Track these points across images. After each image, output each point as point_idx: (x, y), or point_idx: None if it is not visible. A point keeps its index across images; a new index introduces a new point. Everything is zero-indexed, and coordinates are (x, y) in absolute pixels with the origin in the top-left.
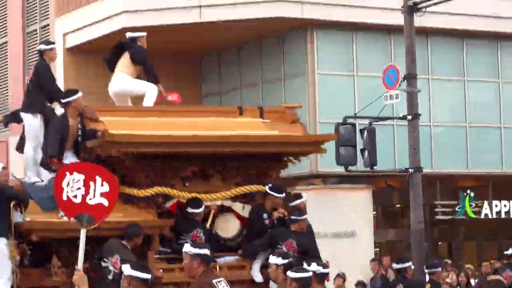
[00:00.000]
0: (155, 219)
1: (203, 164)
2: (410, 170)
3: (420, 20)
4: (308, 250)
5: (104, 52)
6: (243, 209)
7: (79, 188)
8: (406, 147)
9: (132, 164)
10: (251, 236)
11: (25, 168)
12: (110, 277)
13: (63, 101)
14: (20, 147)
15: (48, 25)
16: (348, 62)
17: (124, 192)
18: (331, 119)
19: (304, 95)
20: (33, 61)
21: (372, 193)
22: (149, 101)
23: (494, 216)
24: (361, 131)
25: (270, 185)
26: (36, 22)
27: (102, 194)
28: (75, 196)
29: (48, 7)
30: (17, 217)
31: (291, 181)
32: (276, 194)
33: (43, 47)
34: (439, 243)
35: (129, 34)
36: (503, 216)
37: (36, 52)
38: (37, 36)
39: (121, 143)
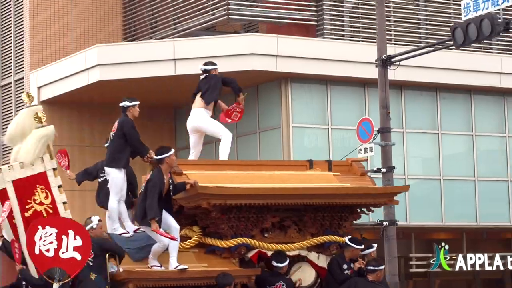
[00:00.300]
0: (244, 269)
1: (282, 216)
2: (384, 222)
3: (394, 74)
4: None
5: (79, 105)
6: (318, 259)
7: (51, 242)
8: None
9: (218, 216)
10: (329, 285)
11: (108, 219)
12: None
13: (157, 157)
14: (99, 203)
15: (22, 78)
16: (322, 115)
17: (206, 243)
18: None
19: (279, 148)
20: (8, 114)
21: None
22: (225, 146)
23: (469, 269)
24: None
25: (349, 236)
26: (11, 75)
27: (75, 248)
28: (48, 250)
29: (22, 61)
30: (109, 267)
31: None
32: (356, 246)
33: (126, 103)
34: None
35: (202, 67)
36: (477, 268)
37: (11, 105)
38: (11, 90)
39: (212, 195)
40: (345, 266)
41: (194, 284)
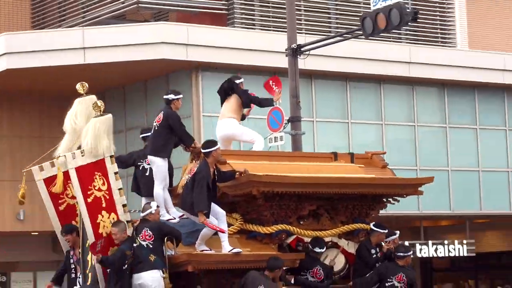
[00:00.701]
0: (291, 253)
1: (317, 204)
2: None
3: (304, 63)
4: (414, 284)
5: None
6: (348, 245)
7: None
8: None
9: (262, 203)
10: (359, 270)
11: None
12: None
13: (203, 151)
14: (135, 189)
15: None
16: None
17: (247, 229)
18: None
19: None
20: None
21: None
22: (257, 149)
23: None
24: None
25: (374, 223)
26: None
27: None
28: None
29: None
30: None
31: None
32: (381, 231)
33: (172, 96)
34: None
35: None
36: None
37: None
38: None
39: (262, 183)
40: (373, 251)
41: (246, 267)
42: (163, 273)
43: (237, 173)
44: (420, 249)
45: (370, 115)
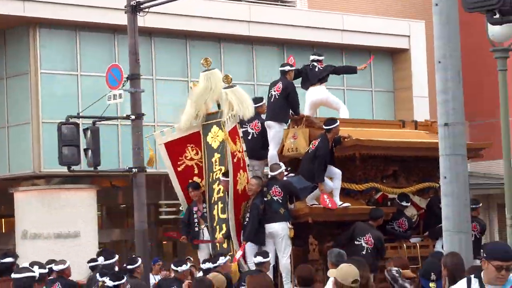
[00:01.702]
0: (386, 207)
1: (398, 166)
2: (133, 169)
3: (144, 20)
4: (484, 232)
5: None
6: (419, 201)
7: None
8: (130, 147)
9: (358, 164)
10: (431, 221)
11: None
12: (363, 252)
13: (326, 127)
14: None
15: None
16: (72, 61)
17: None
18: (54, 119)
19: (27, 94)
20: None
21: (97, 193)
22: (345, 115)
23: None
24: (85, 130)
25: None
26: None
27: None
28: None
29: None
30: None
31: (13, 182)
32: None
33: (288, 68)
34: (164, 242)
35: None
36: None
37: None
38: None
39: (363, 146)
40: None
41: (351, 219)
42: (290, 224)
43: (342, 138)
44: None
45: None
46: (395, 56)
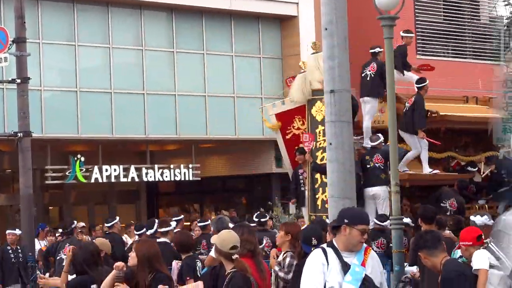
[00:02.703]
0: (461, 174)
1: (469, 137)
2: (19, 134)
3: None
4: None
5: None
6: (484, 167)
7: None
8: (15, 111)
9: (441, 136)
10: (495, 185)
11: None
12: (448, 214)
13: (418, 85)
14: None
15: None
16: None
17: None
18: None
19: None
20: None
21: None
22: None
23: (105, 180)
24: None
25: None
26: None
27: None
28: None
29: None
30: None
31: None
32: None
33: (378, 49)
34: (50, 207)
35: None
36: (113, 180)
37: None
38: None
39: (449, 121)
40: (503, 171)
41: (439, 184)
42: (388, 188)
43: (430, 113)
44: (146, 173)
45: (97, 39)
46: (284, 23)
